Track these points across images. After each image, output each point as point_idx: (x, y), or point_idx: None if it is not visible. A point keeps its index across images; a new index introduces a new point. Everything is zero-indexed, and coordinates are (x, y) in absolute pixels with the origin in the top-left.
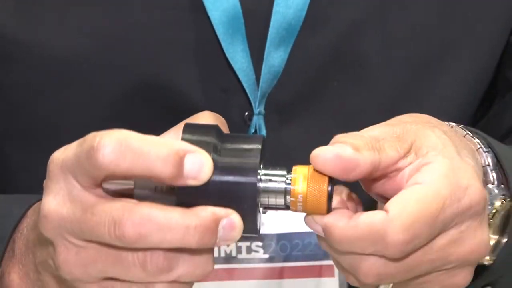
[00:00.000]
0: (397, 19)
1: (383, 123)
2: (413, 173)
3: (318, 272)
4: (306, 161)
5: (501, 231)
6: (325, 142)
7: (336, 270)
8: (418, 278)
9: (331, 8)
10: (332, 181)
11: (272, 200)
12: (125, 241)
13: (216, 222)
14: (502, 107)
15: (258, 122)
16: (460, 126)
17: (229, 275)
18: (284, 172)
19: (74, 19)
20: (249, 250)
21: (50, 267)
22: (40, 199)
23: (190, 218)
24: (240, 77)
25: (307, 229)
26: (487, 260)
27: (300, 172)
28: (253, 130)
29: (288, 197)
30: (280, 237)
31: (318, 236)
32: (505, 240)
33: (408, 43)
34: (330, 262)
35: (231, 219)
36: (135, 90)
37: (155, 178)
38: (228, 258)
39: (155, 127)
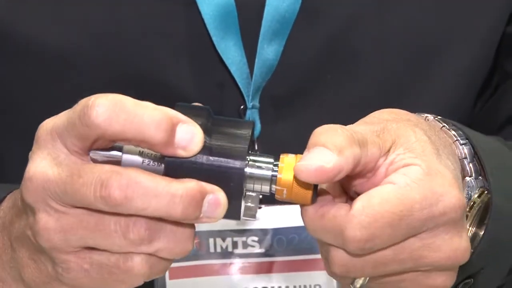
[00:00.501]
0: (392, 13)
1: (362, 120)
2: (390, 173)
3: (315, 266)
4: None
5: (479, 223)
6: None
7: None
8: (392, 276)
9: (326, 1)
10: None
11: (257, 187)
12: (110, 202)
13: (202, 194)
14: (499, 97)
15: (252, 116)
16: (436, 118)
17: (226, 270)
18: (271, 160)
19: (68, 13)
20: (245, 245)
21: (26, 240)
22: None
23: (177, 186)
24: (232, 71)
25: (303, 224)
26: None
27: (287, 161)
28: None
29: (273, 185)
30: (276, 231)
31: None
32: (482, 232)
33: (403, 37)
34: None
35: (217, 195)
36: (129, 84)
37: (146, 143)
38: (225, 253)
39: None
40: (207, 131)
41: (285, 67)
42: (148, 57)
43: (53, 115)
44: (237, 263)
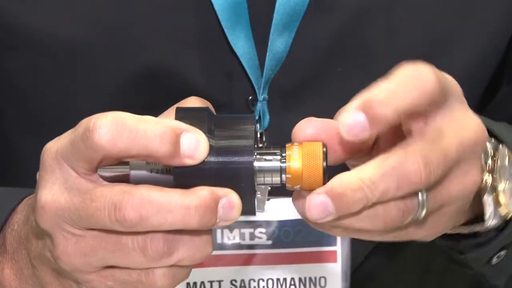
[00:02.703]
0: (402, 6)
1: None
2: None
3: (321, 258)
4: None
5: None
6: None
7: (339, 255)
8: (442, 183)
9: None
10: (326, 156)
11: (268, 179)
12: (126, 224)
13: (216, 201)
14: (510, 90)
15: (262, 107)
16: None
17: (232, 260)
18: (278, 151)
19: (78, 6)
20: (252, 236)
21: (47, 260)
22: (31, 193)
23: (190, 198)
24: (243, 63)
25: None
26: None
27: (293, 149)
28: (257, 117)
29: (283, 175)
30: (283, 223)
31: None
32: None
33: (413, 30)
34: (333, 248)
35: (230, 198)
36: (139, 76)
37: (152, 158)
38: (232, 244)
39: (159, 113)
40: (210, 132)
41: (294, 59)
42: (158, 49)
43: (64, 107)
44: (243, 254)
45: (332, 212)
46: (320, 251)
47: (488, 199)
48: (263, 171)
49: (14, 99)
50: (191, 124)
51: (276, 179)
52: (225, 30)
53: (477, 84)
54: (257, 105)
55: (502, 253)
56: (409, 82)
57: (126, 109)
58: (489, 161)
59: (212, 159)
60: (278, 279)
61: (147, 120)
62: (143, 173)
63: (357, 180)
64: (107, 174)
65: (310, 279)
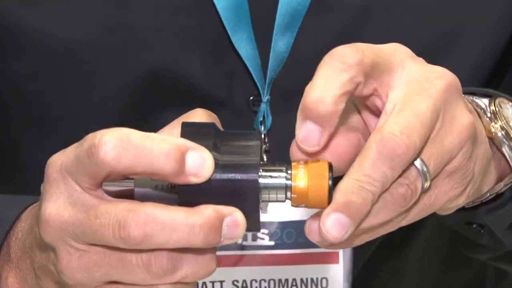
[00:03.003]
0: (403, 6)
1: None
2: None
3: (323, 259)
4: None
5: None
6: None
7: (340, 256)
8: (432, 141)
9: None
10: (332, 174)
11: (273, 196)
12: (130, 242)
13: (220, 220)
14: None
15: (265, 108)
16: None
17: (235, 261)
18: (283, 167)
19: (78, 6)
20: (254, 237)
21: (50, 272)
22: (35, 201)
23: (195, 216)
24: (246, 64)
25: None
26: None
27: (299, 168)
28: (261, 118)
29: (288, 193)
30: (286, 224)
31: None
32: None
33: (414, 30)
34: (335, 249)
35: (234, 216)
36: (141, 76)
37: (157, 175)
38: (234, 245)
39: (162, 113)
40: (216, 148)
41: (295, 59)
42: (161, 50)
43: (66, 108)
44: (246, 255)
45: (349, 223)
46: (322, 252)
47: (507, 150)
48: (268, 188)
49: (16, 99)
50: (196, 140)
51: (281, 196)
52: (228, 31)
53: (477, 84)
54: (260, 106)
55: None
56: (329, 67)
57: (127, 109)
58: (489, 114)
59: (217, 176)
60: (280, 280)
61: (153, 137)
62: (148, 190)
63: (353, 182)
64: (112, 188)
65: (312, 280)
